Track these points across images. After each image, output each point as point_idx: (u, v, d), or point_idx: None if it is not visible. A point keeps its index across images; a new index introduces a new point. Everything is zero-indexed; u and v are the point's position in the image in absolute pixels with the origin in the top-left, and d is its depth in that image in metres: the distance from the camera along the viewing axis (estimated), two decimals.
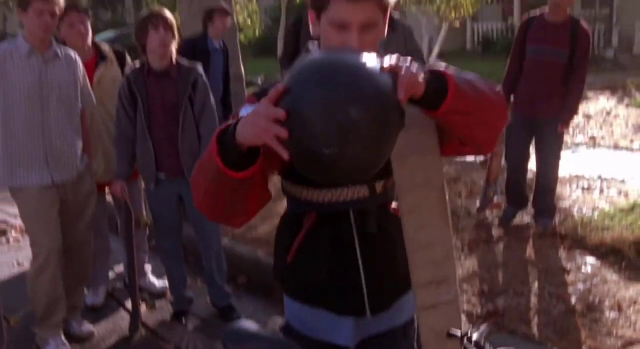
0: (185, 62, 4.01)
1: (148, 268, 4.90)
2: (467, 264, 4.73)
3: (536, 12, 5.30)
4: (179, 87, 3.89)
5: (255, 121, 1.48)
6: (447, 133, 1.82)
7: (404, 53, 4.55)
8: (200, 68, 4.00)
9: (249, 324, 2.06)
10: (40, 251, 3.83)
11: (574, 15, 5.22)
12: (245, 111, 1.65)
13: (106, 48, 4.46)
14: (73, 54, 3.93)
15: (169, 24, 3.89)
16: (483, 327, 2.09)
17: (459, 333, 1.78)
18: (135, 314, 4.28)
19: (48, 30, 3.69)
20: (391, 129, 1.52)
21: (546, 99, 5.12)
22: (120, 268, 5.18)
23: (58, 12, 3.70)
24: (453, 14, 15.58)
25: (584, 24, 5.15)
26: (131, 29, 26.71)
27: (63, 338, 4.02)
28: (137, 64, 4.04)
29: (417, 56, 5.02)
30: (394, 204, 1.95)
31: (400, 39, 5.09)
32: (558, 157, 5.37)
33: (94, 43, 4.36)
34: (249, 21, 21.37)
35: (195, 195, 1.73)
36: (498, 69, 16.87)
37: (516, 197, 5.54)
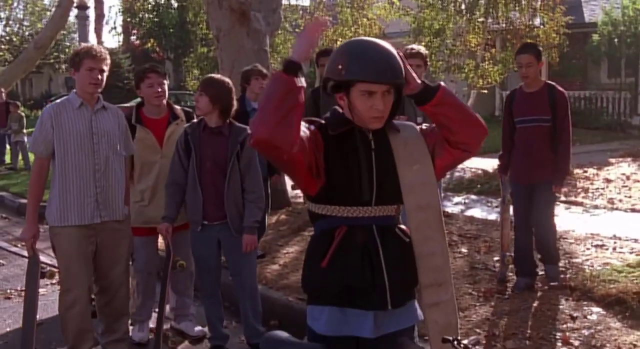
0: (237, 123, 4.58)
1: (192, 313, 5.28)
2: (481, 311, 5.11)
3: (517, 86, 5.74)
4: (229, 144, 4.46)
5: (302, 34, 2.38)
6: (439, 145, 2.54)
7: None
8: (250, 129, 4.54)
9: (282, 333, 2.55)
10: (72, 287, 4.31)
11: (554, 82, 5.62)
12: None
13: (178, 108, 5.07)
14: (116, 109, 4.54)
15: (206, 88, 4.52)
16: (472, 337, 2.54)
17: (451, 338, 2.23)
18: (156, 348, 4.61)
19: (97, 84, 4.30)
20: None
21: (538, 165, 5.46)
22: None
23: (106, 69, 4.33)
24: (480, 82, 16.15)
25: (559, 87, 5.52)
26: (170, 92, 27.72)
27: None
28: None
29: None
30: (402, 225, 2.57)
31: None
32: (551, 209, 5.64)
33: (168, 103, 4.97)
34: None
35: (257, 125, 2.32)
36: None
37: (523, 265, 5.66)
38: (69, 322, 4.38)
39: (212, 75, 4.94)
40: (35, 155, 4.37)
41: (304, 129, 2.42)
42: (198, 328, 5.18)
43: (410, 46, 5.64)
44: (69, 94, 4.41)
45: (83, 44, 4.41)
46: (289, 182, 8.31)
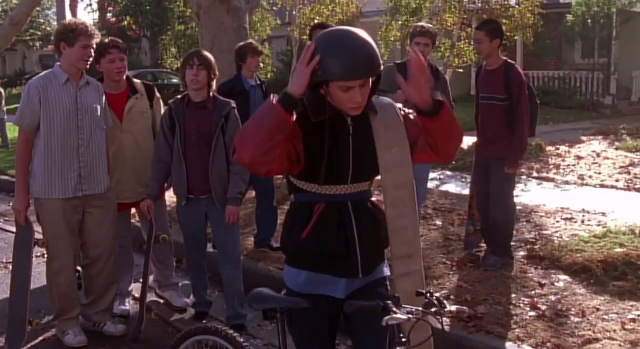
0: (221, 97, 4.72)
1: (176, 283, 5.43)
2: (454, 279, 5.34)
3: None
4: (213, 118, 4.58)
5: (297, 69, 2.39)
6: (422, 145, 2.66)
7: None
8: (233, 102, 4.69)
9: (267, 290, 2.74)
10: (58, 255, 4.48)
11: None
12: None
13: (137, 82, 5.12)
14: (97, 83, 4.65)
15: (205, 62, 4.61)
16: (444, 291, 2.71)
17: (424, 291, 2.43)
18: (139, 320, 4.77)
19: (88, 61, 4.42)
20: None
21: (490, 142, 5.57)
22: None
23: (94, 47, 4.45)
24: (456, 61, 16.34)
25: (516, 68, 5.60)
26: (146, 70, 27.43)
27: (79, 329, 4.64)
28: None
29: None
30: (374, 199, 2.74)
31: (439, 87, 5.48)
32: (507, 197, 5.68)
33: (127, 77, 5.01)
34: (261, 64, 22.24)
35: (241, 147, 2.41)
36: None
37: (492, 242, 5.74)
38: (55, 289, 4.54)
39: (200, 50, 5.05)
40: (21, 128, 4.45)
41: None
42: (183, 300, 5.30)
43: (420, 24, 5.75)
44: (53, 68, 4.49)
45: (74, 19, 4.49)
46: None
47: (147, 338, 4.73)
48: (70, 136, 4.39)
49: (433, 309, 2.39)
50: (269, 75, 24.42)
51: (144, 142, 4.93)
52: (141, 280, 4.97)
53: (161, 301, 5.39)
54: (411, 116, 2.71)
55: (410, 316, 2.34)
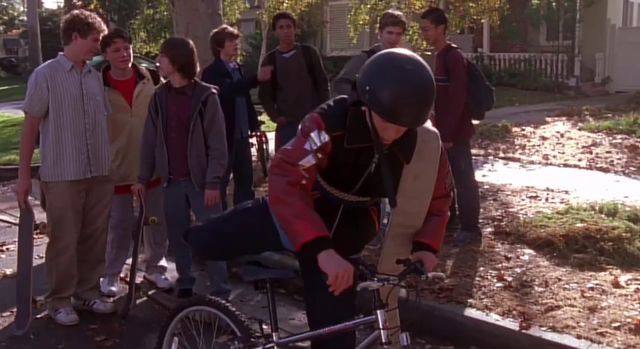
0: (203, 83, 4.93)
1: (163, 266, 5.64)
2: None
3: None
4: (191, 103, 4.79)
5: (341, 281, 2.50)
6: None
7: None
8: (214, 88, 4.90)
9: (255, 266, 3.00)
10: (64, 235, 4.67)
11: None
12: (316, 135, 2.63)
13: (143, 68, 5.36)
14: (97, 72, 4.89)
15: (164, 49, 4.83)
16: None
17: (403, 259, 2.70)
18: (129, 298, 4.97)
19: (94, 52, 4.69)
20: None
21: (439, 123, 5.88)
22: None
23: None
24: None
25: (456, 50, 5.88)
26: None
27: (71, 308, 4.85)
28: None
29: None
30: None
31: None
32: (465, 175, 5.90)
33: (133, 64, 5.24)
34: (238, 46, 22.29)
35: (271, 199, 2.66)
36: None
37: (463, 219, 6.04)
38: (55, 268, 4.72)
39: (173, 37, 5.25)
40: (28, 114, 4.62)
41: (313, 155, 2.64)
42: (167, 281, 5.52)
43: (390, 12, 5.99)
44: (57, 57, 4.67)
45: (87, 12, 4.64)
46: None
47: (135, 315, 4.96)
48: (79, 121, 4.61)
49: (409, 275, 2.68)
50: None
51: None
52: (131, 262, 5.14)
53: (146, 283, 5.61)
54: (446, 176, 2.90)
55: (384, 283, 2.60)
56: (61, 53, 4.69)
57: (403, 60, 2.48)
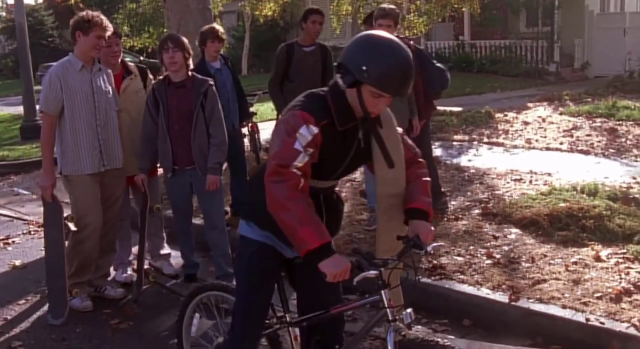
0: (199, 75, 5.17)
1: (168, 253, 5.87)
2: None
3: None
4: (192, 96, 5.05)
5: (339, 276, 2.64)
6: None
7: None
8: (211, 80, 5.15)
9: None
10: (87, 224, 4.90)
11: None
12: (306, 131, 2.73)
13: (131, 64, 5.56)
14: (107, 70, 5.10)
15: (179, 44, 5.05)
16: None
17: (403, 235, 2.96)
18: (138, 284, 5.22)
19: (100, 50, 4.90)
20: None
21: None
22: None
23: (106, 39, 4.91)
24: (406, 33, 16.89)
25: (412, 41, 6.24)
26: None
27: (86, 294, 5.09)
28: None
29: (440, 72, 6.26)
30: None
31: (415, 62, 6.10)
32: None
33: (122, 60, 5.44)
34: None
35: (272, 206, 2.71)
36: (449, 83, 18.14)
37: None
38: (80, 254, 4.94)
39: (173, 33, 5.47)
40: (45, 113, 4.83)
41: (305, 153, 2.73)
42: (173, 268, 5.77)
43: (382, 6, 6.22)
44: (68, 56, 4.89)
45: (91, 12, 4.84)
46: None
47: (145, 300, 5.22)
48: (91, 117, 4.84)
49: (406, 255, 2.88)
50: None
51: (139, 120, 5.28)
52: (138, 249, 5.37)
53: (152, 269, 5.86)
54: (405, 141, 3.09)
55: (381, 269, 2.76)
56: (71, 53, 4.91)
57: (387, 40, 2.77)
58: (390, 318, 2.81)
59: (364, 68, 2.68)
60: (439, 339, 2.81)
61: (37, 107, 13.73)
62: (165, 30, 20.47)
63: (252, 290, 3.14)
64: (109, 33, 4.89)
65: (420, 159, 3.17)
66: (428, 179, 3.14)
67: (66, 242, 4.95)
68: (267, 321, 3.26)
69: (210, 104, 5.11)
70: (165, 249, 5.88)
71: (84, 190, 4.90)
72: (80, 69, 4.83)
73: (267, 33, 27.64)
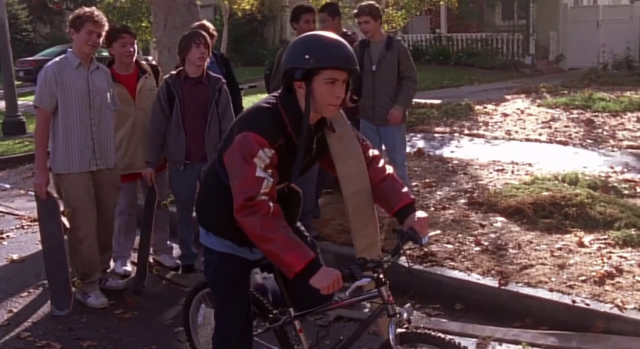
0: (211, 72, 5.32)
1: (170, 246, 5.98)
2: None
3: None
4: (208, 92, 5.21)
5: (331, 288, 2.65)
6: None
7: (396, 72, 6.18)
8: (223, 78, 5.33)
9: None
10: (82, 224, 4.94)
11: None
12: (263, 154, 2.73)
13: (144, 63, 5.65)
14: (106, 68, 5.16)
15: (208, 42, 5.21)
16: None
17: (398, 229, 3.01)
18: (141, 275, 5.33)
19: (94, 47, 4.89)
20: None
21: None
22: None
23: (103, 33, 4.92)
24: (385, 26, 17.07)
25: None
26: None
27: (100, 291, 5.17)
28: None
29: (410, 77, 6.18)
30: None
31: (394, 57, 6.14)
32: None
33: (135, 60, 5.49)
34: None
35: (253, 239, 2.75)
36: (427, 76, 18.49)
37: None
38: (79, 256, 5.01)
39: (200, 31, 5.44)
40: (39, 109, 4.85)
41: (267, 177, 2.74)
42: (173, 261, 5.88)
43: (362, 4, 6.37)
44: (66, 53, 4.95)
45: (84, 8, 4.89)
46: None
47: (147, 291, 5.36)
48: (85, 115, 4.86)
49: (404, 249, 2.93)
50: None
51: None
52: (140, 243, 5.47)
53: (154, 263, 5.98)
54: (355, 132, 3.15)
55: (374, 275, 2.81)
56: (70, 50, 4.96)
57: (314, 33, 2.90)
58: (391, 313, 2.88)
59: (307, 57, 2.74)
60: (440, 335, 2.86)
61: (19, 102, 13.93)
62: (144, 24, 20.42)
63: (226, 299, 3.27)
64: (103, 28, 4.87)
65: (372, 151, 3.19)
66: (391, 168, 3.17)
67: (65, 237, 5.01)
68: (271, 315, 3.37)
69: (223, 101, 5.28)
70: (168, 243, 6.00)
71: (75, 189, 4.92)
72: (77, 66, 4.85)
73: (244, 27, 27.73)
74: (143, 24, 21.16)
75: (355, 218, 3.13)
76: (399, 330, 2.85)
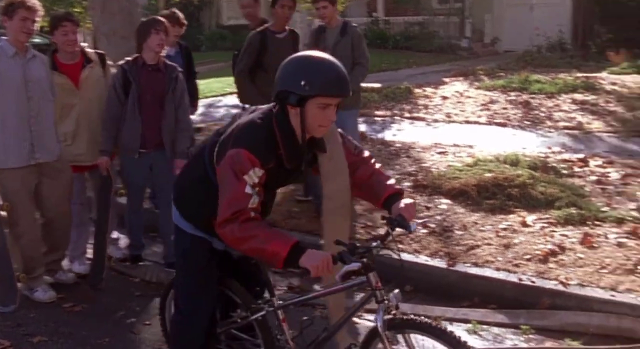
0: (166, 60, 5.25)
1: (117, 237, 5.93)
2: (356, 208, 6.18)
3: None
4: (166, 79, 5.15)
5: (322, 268, 2.68)
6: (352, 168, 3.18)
7: (350, 57, 6.17)
8: (179, 66, 5.29)
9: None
10: (20, 219, 4.82)
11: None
12: (253, 173, 2.79)
13: (91, 52, 5.43)
14: (43, 56, 4.97)
15: (168, 29, 5.18)
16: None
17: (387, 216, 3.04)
18: (98, 269, 5.24)
19: (29, 34, 4.69)
20: None
21: None
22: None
23: (38, 20, 4.71)
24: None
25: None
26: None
27: (47, 285, 5.06)
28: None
29: (362, 63, 6.16)
30: None
31: (348, 43, 6.15)
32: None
33: (81, 48, 5.30)
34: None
35: (235, 241, 2.81)
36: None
37: None
38: (21, 251, 4.88)
39: (159, 17, 5.33)
40: None
41: (255, 194, 2.80)
42: (121, 252, 5.80)
43: None
44: (1, 42, 4.72)
45: None
46: None
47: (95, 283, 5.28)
48: (22, 107, 4.68)
49: (393, 236, 3.02)
50: None
51: (100, 108, 5.24)
52: (97, 235, 5.37)
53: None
54: (347, 142, 3.18)
55: (363, 260, 2.85)
56: (5, 38, 4.75)
57: (312, 54, 2.93)
58: (379, 299, 2.92)
59: (303, 83, 2.79)
60: (428, 321, 2.91)
61: None
62: (76, 10, 19.89)
63: (193, 281, 3.32)
64: (38, 14, 4.67)
65: (365, 154, 3.25)
66: (379, 166, 3.25)
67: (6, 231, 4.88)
68: (253, 306, 3.36)
69: (180, 89, 5.23)
70: (115, 234, 5.94)
71: (12, 185, 4.77)
72: (12, 55, 4.67)
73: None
74: (76, 10, 20.61)
75: (329, 230, 3.17)
76: (387, 316, 2.89)
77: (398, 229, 3.02)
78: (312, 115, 2.85)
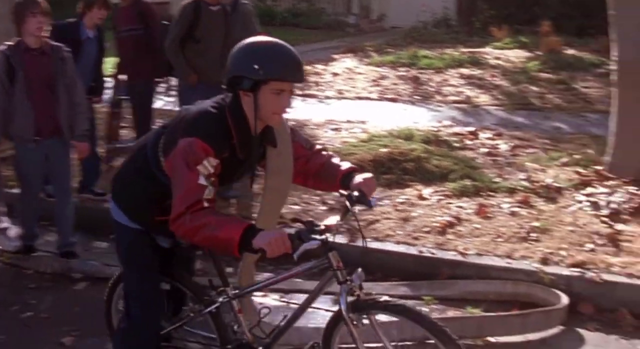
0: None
1: (6, 227, 5.59)
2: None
3: None
4: (52, 62, 4.83)
5: (277, 247, 2.51)
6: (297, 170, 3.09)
7: (244, 32, 5.98)
8: (64, 46, 4.95)
9: None
10: None
11: None
12: (207, 163, 2.64)
13: None
14: None
15: (45, 10, 4.78)
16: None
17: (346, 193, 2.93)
18: None
19: None
20: None
21: (140, 65, 6.53)
22: None
23: None
24: None
25: (148, 2, 6.56)
26: None
27: None
28: None
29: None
30: None
31: (239, 19, 5.98)
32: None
33: None
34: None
35: (187, 233, 2.65)
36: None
37: None
38: None
39: None
40: None
41: (210, 185, 2.66)
42: (12, 243, 5.43)
43: None
44: None
45: None
46: None
47: None
48: None
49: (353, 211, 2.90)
50: None
51: None
52: None
53: None
54: (298, 138, 3.11)
55: (322, 238, 2.72)
56: None
57: (265, 39, 2.80)
58: (341, 280, 2.80)
59: (257, 67, 2.66)
60: (394, 301, 2.83)
61: None
62: None
63: (139, 277, 3.14)
64: None
65: (317, 147, 3.17)
66: (330, 153, 3.18)
67: None
68: (207, 298, 3.18)
69: (70, 71, 4.95)
70: (4, 224, 5.61)
71: None
72: None
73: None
74: None
75: (262, 221, 3.03)
76: (350, 298, 2.77)
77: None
78: (266, 101, 2.72)
